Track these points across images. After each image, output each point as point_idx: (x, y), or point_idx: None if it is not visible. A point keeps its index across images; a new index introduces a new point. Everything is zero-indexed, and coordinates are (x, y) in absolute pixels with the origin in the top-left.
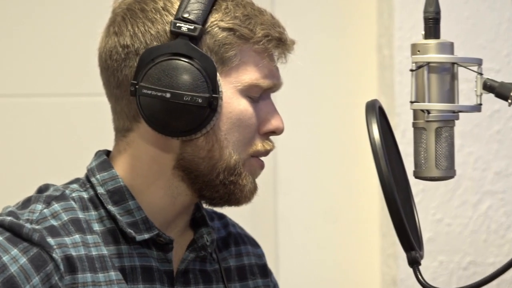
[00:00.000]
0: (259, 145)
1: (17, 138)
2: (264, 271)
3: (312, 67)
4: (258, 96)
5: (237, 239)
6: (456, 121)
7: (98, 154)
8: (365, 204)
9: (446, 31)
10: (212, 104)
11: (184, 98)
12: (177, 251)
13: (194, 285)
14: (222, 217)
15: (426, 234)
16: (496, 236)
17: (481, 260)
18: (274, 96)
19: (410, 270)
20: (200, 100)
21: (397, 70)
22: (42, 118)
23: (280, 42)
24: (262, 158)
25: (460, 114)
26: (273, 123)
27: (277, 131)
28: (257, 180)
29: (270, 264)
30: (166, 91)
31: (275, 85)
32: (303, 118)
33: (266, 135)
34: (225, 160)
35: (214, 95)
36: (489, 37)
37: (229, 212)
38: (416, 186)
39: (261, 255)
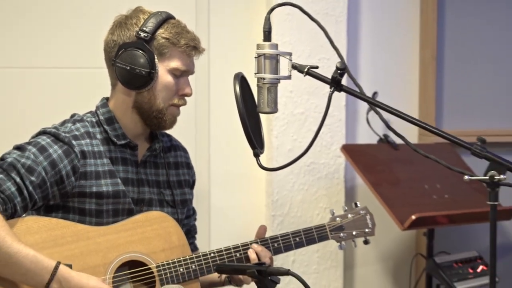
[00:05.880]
0: (175, 100)
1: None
2: (189, 166)
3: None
4: (179, 75)
5: (176, 147)
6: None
7: (102, 98)
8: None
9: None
10: (150, 75)
11: (136, 70)
12: (142, 151)
13: (149, 169)
14: (169, 135)
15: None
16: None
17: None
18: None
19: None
20: (143, 72)
21: None
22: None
23: (194, 49)
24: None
25: None
26: (186, 90)
27: (187, 95)
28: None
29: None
30: (127, 65)
31: (188, 71)
32: None
33: (182, 96)
34: (156, 106)
35: (152, 71)
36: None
37: None
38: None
39: (188, 157)
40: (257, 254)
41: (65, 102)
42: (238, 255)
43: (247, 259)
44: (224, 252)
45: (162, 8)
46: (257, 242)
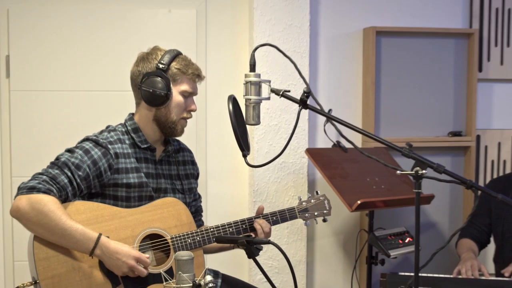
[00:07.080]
0: (185, 114)
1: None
2: (193, 163)
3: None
4: (187, 96)
5: (183, 149)
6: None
7: (129, 113)
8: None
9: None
10: (167, 96)
11: (157, 92)
12: (159, 152)
13: (164, 165)
14: (178, 140)
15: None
16: None
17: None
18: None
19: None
20: (162, 94)
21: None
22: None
23: (198, 76)
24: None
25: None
26: (192, 107)
27: (193, 110)
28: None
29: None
30: (150, 89)
31: (194, 93)
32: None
33: (189, 111)
34: (171, 118)
35: (168, 93)
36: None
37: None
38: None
39: (192, 156)
40: (260, 225)
41: (97, 117)
42: (244, 226)
43: (251, 229)
44: (220, 228)
45: (170, 44)
46: (259, 217)
